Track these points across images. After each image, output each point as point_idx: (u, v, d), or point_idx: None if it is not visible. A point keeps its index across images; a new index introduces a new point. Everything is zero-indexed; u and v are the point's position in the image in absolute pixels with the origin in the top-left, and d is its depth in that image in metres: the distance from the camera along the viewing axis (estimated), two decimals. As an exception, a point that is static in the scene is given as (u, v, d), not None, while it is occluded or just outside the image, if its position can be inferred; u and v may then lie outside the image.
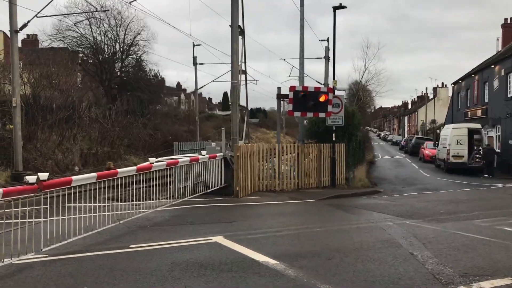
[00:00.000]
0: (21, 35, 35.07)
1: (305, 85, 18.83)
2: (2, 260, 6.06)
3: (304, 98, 15.56)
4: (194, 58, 38.22)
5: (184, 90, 75.70)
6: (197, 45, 37.87)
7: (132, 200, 10.61)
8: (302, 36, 22.22)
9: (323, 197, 14.76)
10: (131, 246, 7.51)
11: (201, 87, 40.93)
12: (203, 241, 7.89)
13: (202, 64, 38.79)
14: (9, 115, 19.76)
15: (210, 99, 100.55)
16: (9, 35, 19.65)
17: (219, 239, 7.99)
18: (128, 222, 9.10)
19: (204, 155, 13.01)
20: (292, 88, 15.78)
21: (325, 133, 17.98)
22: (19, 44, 21.63)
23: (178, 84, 75.30)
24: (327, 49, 36.73)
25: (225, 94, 73.50)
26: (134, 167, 9.52)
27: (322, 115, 16.10)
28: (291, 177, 16.54)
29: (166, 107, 45.27)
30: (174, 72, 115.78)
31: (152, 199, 10.68)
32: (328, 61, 37.11)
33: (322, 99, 15.50)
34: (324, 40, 36.77)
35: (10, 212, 6.62)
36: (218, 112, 67.98)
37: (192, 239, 7.99)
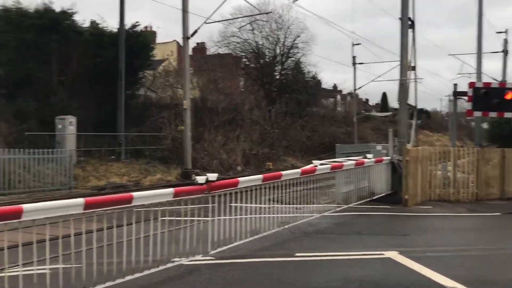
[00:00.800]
0: (192, 44, 37.97)
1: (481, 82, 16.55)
2: (172, 260, 6.02)
3: (486, 96, 13.54)
4: (353, 58, 37.18)
5: (340, 91, 74.70)
6: (356, 44, 36.77)
7: (294, 203, 10.23)
8: (480, 27, 19.79)
9: (510, 210, 12.62)
10: (296, 254, 7.01)
11: (358, 88, 39.57)
12: (375, 255, 7.03)
13: (361, 63, 37.53)
14: (180, 117, 21.23)
15: (366, 100, 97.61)
16: (181, 42, 21.14)
17: (393, 254, 7.04)
18: (291, 227, 8.67)
19: (369, 158, 12.07)
20: (471, 85, 13.88)
21: (510, 136, 15.50)
22: (190, 52, 23.27)
23: (335, 86, 74.55)
24: (505, 41, 32.73)
25: (383, 94, 70.50)
26: (299, 170, 9.11)
27: (508, 115, 13.85)
28: (468, 185, 14.56)
29: (323, 108, 44.93)
30: (329, 73, 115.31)
31: (314, 203, 10.16)
32: (506, 55, 33.00)
33: (509, 96, 13.31)
34: (502, 32, 32.80)
35: (178, 210, 6.65)
36: (376, 113, 65.53)
37: (362, 252, 7.18)
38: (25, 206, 4.33)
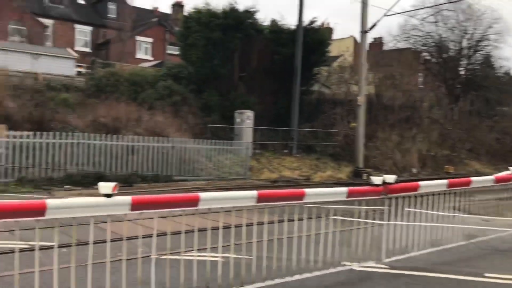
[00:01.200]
0: (369, 39, 36.88)
1: None
2: (342, 264, 5.66)
3: None
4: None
5: (539, 89, 65.06)
6: None
7: (483, 214, 8.99)
8: None
9: None
10: (486, 274, 6.01)
11: None
12: None
13: None
14: (353, 113, 20.69)
15: None
16: (358, 38, 20.55)
17: None
18: (479, 241, 7.56)
19: None
20: None
21: None
22: (367, 47, 22.46)
23: (532, 83, 65.24)
24: None
25: None
26: (492, 177, 7.91)
27: None
28: None
29: (516, 108, 39.62)
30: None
31: (508, 216, 8.78)
32: None
33: None
34: None
35: (350, 210, 6.25)
36: None
37: None
38: (202, 195, 4.41)
